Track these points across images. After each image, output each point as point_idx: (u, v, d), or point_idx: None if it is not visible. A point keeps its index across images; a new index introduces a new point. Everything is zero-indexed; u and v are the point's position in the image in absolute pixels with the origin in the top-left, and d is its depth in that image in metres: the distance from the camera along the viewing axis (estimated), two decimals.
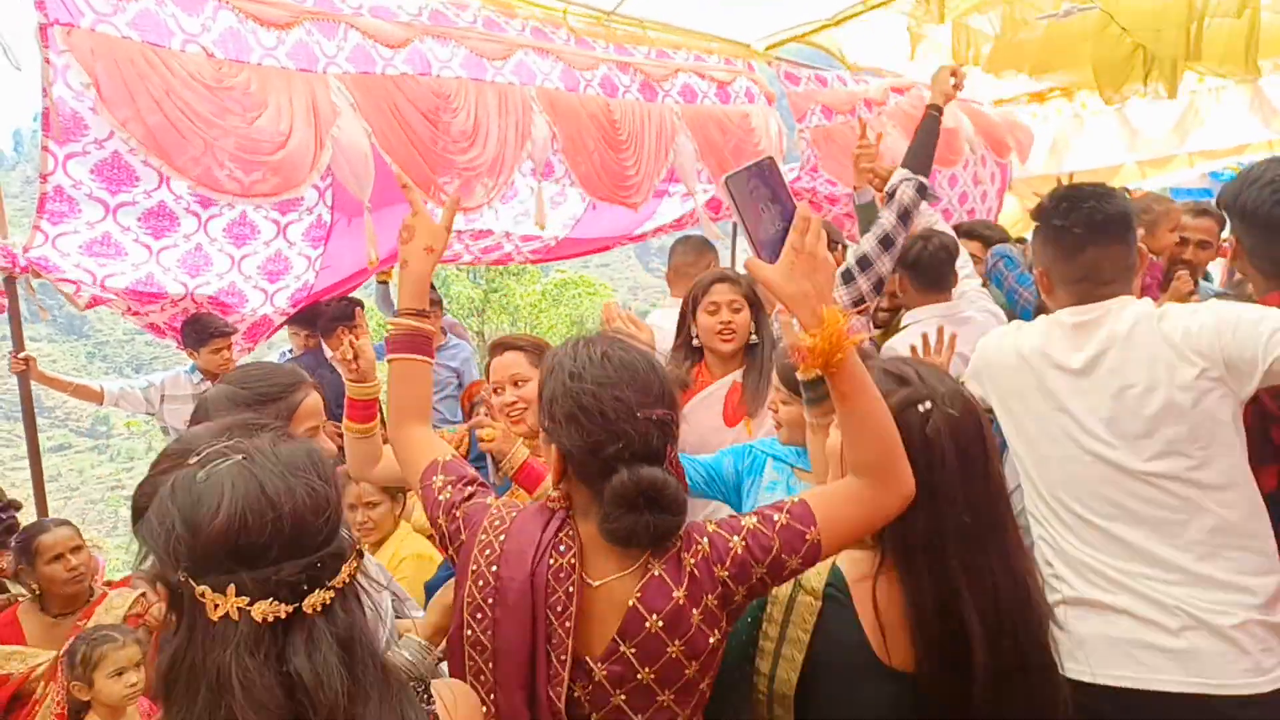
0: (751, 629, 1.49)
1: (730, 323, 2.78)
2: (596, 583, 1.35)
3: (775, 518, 1.35)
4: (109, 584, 2.98)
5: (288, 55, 2.84)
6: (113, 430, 31.61)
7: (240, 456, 1.03)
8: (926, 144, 3.14)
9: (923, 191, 3.00)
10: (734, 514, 1.38)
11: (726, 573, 1.33)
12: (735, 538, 1.34)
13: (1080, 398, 1.86)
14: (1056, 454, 1.89)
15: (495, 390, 2.36)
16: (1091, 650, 1.79)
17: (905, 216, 2.98)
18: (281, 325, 3.65)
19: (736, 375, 2.84)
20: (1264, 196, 1.95)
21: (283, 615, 0.98)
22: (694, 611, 1.32)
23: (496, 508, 1.45)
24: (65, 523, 2.93)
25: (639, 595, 1.33)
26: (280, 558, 0.98)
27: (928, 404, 1.45)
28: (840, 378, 1.32)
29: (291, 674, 0.97)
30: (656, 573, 1.33)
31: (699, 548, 1.35)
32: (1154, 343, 1.79)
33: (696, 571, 1.33)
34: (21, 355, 3.08)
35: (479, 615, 1.36)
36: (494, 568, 1.36)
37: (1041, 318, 2.00)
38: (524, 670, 1.33)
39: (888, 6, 4.63)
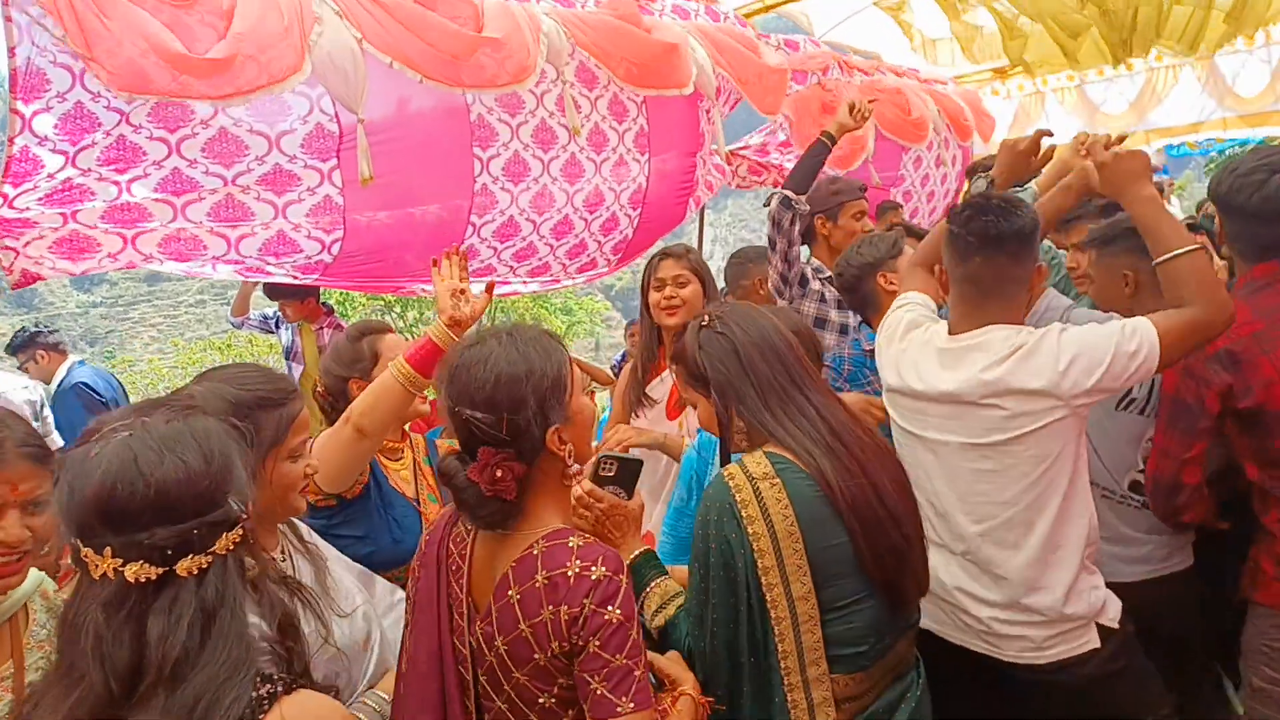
0: (746, 570, 1.60)
1: (674, 297, 2.75)
2: (498, 532, 1.50)
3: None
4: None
5: None
6: None
7: (126, 433, 1.12)
8: (810, 166, 3.28)
9: (787, 203, 3.12)
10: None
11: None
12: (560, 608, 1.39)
13: None
14: None
15: None
16: None
17: (776, 226, 3.11)
18: (312, 262, 3.24)
19: None
20: (1237, 186, 2.12)
21: (153, 576, 1.07)
22: (548, 608, 1.39)
23: None
24: None
25: (514, 565, 1.45)
26: (151, 524, 1.07)
27: (706, 318, 1.81)
28: None
29: (145, 631, 1.06)
30: (535, 552, 1.44)
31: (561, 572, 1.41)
32: None
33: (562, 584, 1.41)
34: None
35: (413, 577, 1.62)
36: (425, 536, 1.63)
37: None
38: (434, 619, 1.53)
39: None
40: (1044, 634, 1.95)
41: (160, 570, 1.07)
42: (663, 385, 2.83)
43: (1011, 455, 1.94)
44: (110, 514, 1.07)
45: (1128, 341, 1.88)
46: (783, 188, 3.21)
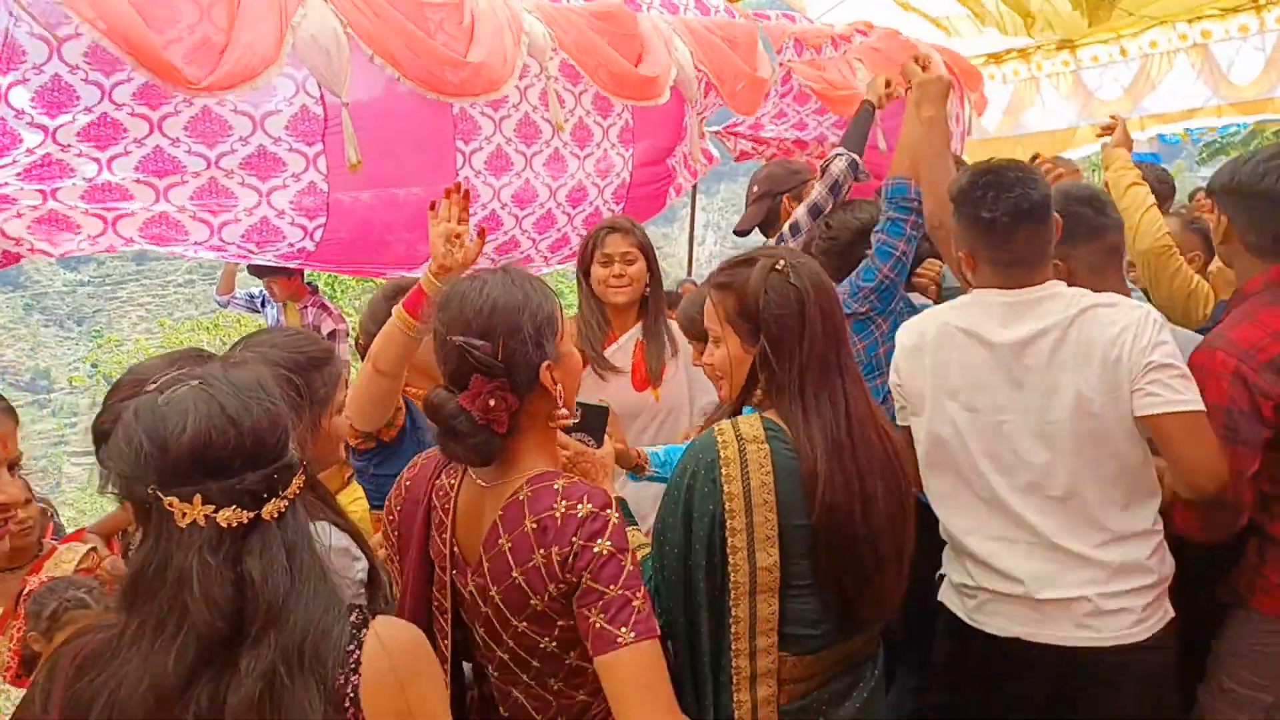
0: (711, 528, 1.58)
1: (623, 275, 2.72)
2: (482, 483, 1.50)
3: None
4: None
5: None
6: (54, 385, 30.78)
7: (196, 382, 1.14)
8: (860, 129, 3.21)
9: (855, 167, 3.02)
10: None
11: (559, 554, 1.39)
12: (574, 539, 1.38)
13: None
14: None
15: None
16: None
17: (835, 188, 2.97)
18: (289, 253, 3.19)
19: (637, 333, 2.78)
20: (1261, 171, 2.01)
21: (245, 520, 1.10)
22: (540, 552, 1.39)
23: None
24: None
25: (501, 513, 1.45)
26: (243, 469, 1.11)
27: (780, 262, 1.69)
28: None
29: (243, 573, 1.09)
30: (521, 498, 1.43)
31: (553, 512, 1.40)
32: None
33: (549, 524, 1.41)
34: None
35: (390, 520, 1.67)
36: (405, 480, 1.67)
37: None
38: (419, 570, 1.59)
39: None
40: (1143, 602, 1.88)
41: (251, 514, 1.11)
42: (621, 352, 2.78)
43: (1099, 408, 1.87)
44: (206, 461, 1.09)
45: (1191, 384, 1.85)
46: (842, 146, 3.09)
